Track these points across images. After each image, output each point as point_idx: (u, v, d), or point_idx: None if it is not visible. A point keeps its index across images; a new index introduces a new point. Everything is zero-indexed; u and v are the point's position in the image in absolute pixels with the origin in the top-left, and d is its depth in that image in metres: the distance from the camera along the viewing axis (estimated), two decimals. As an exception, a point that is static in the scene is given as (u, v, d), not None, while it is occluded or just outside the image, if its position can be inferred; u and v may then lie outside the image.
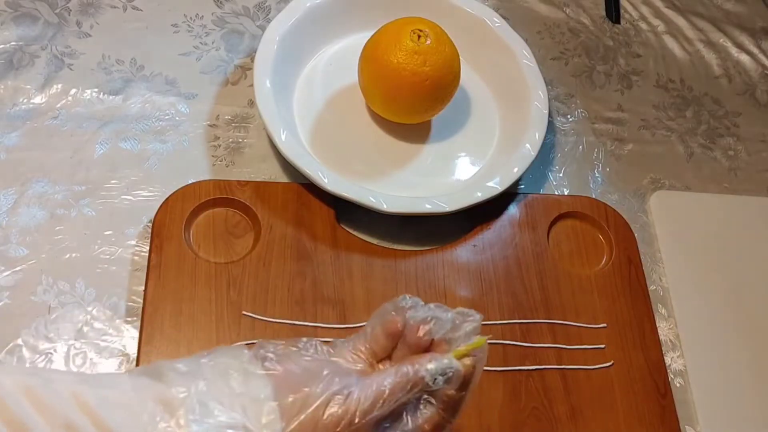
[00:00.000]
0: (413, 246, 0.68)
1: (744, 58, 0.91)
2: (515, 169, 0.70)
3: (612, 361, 0.65)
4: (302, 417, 0.40)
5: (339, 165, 0.70)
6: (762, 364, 0.69)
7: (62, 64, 0.72)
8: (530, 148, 0.71)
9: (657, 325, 0.68)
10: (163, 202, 0.65)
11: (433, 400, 0.44)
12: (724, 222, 0.77)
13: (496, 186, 0.69)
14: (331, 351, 0.45)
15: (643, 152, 0.80)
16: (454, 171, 0.73)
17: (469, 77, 0.78)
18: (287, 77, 0.73)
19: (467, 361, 0.45)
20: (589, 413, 0.63)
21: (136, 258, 0.63)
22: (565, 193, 0.75)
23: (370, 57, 0.69)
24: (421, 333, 0.45)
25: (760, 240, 0.76)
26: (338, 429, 0.41)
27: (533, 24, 0.87)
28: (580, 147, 0.79)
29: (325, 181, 0.65)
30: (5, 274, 0.61)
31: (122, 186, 0.67)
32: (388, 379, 0.43)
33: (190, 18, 0.78)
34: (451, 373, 0.44)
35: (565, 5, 0.89)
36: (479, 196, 0.68)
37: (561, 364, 0.64)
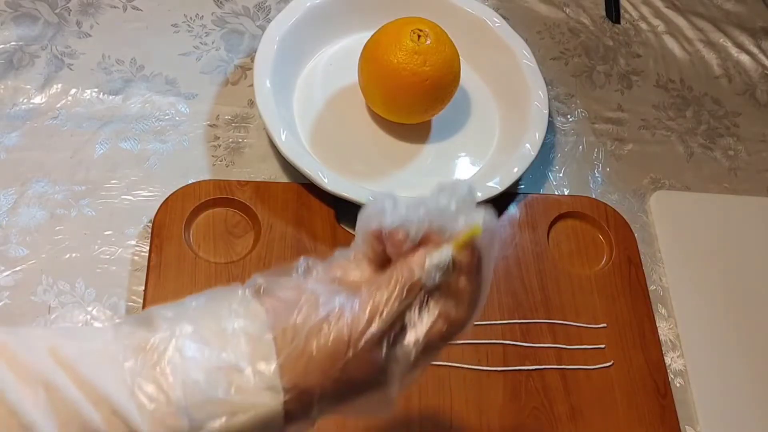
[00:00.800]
0: (413, 246, 0.68)
1: (744, 58, 0.91)
2: (515, 169, 0.70)
3: (612, 361, 0.65)
4: (288, 351, 0.36)
5: (339, 165, 0.70)
6: (762, 364, 0.69)
7: (62, 64, 0.72)
8: (530, 148, 0.71)
9: (657, 325, 0.68)
10: (163, 202, 0.65)
11: (438, 296, 0.39)
12: (724, 222, 0.77)
13: (496, 186, 0.69)
14: (328, 266, 0.41)
15: (643, 152, 0.80)
16: (454, 171, 0.73)
17: (469, 77, 0.78)
18: (287, 77, 0.73)
19: (473, 249, 0.39)
20: (589, 413, 0.63)
21: (136, 258, 0.63)
22: (565, 193, 0.75)
23: (370, 57, 0.69)
24: (400, 245, 0.39)
25: (760, 240, 0.76)
26: (334, 360, 0.36)
27: (533, 24, 0.87)
28: (580, 147, 0.79)
29: (325, 181, 0.65)
30: (5, 274, 0.61)
31: (122, 186, 0.67)
32: (380, 289, 0.38)
33: (190, 18, 0.78)
34: (446, 265, 0.38)
35: (565, 5, 0.89)
36: (479, 196, 0.68)
37: (561, 364, 0.64)
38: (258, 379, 0.36)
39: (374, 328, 0.37)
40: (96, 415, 0.34)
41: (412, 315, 0.38)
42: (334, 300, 0.38)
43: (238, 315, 0.37)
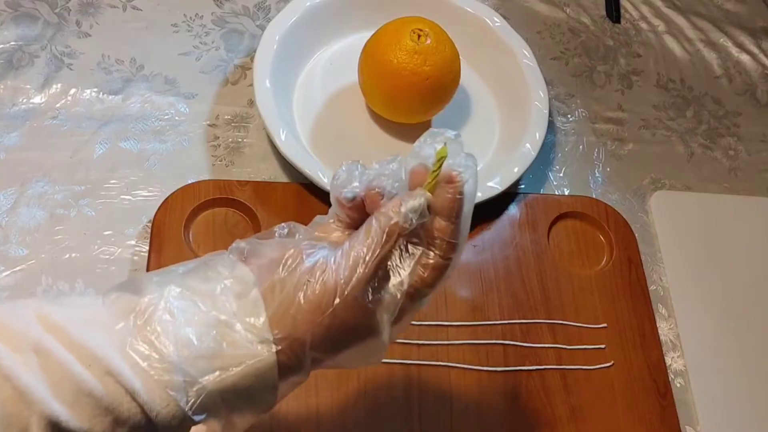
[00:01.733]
0: (413, 246, 0.68)
1: (744, 58, 0.91)
2: (515, 169, 0.70)
3: (612, 362, 0.65)
4: (276, 304, 0.37)
5: (339, 165, 0.70)
6: (762, 365, 0.69)
7: (62, 64, 0.72)
8: (530, 148, 0.71)
9: (657, 325, 0.68)
10: (163, 202, 0.65)
11: (418, 242, 0.40)
12: (725, 222, 0.77)
13: (496, 186, 0.69)
14: (309, 229, 0.42)
15: (644, 152, 0.80)
16: (454, 171, 0.73)
17: (469, 77, 0.78)
18: (287, 77, 0.73)
19: (447, 188, 0.39)
20: (590, 413, 0.63)
21: (135, 258, 0.63)
22: (566, 193, 0.75)
23: (370, 57, 0.69)
24: (377, 201, 0.40)
25: (761, 240, 0.76)
26: (322, 309, 0.37)
27: (533, 24, 0.87)
28: (581, 147, 0.79)
29: (325, 181, 0.65)
30: (5, 274, 0.61)
31: (122, 186, 0.67)
32: (360, 237, 0.39)
33: (190, 18, 0.78)
34: (424, 207, 0.39)
35: (566, 5, 0.89)
36: (479, 196, 0.68)
37: (561, 365, 0.64)
38: (249, 333, 0.37)
39: (359, 273, 0.38)
40: (88, 375, 0.34)
41: (394, 260, 0.39)
42: (318, 253, 0.39)
43: (225, 276, 0.38)
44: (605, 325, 0.67)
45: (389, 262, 0.39)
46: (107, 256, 0.63)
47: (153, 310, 0.36)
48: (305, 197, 0.68)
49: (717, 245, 0.75)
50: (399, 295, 0.39)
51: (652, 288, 0.71)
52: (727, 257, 0.74)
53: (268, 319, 0.37)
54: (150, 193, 0.67)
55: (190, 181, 0.67)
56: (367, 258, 0.38)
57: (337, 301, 0.37)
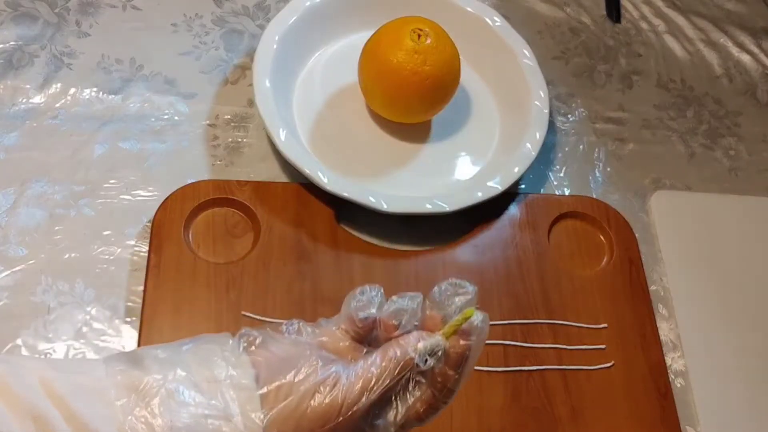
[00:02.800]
0: (413, 246, 0.68)
1: (745, 57, 0.90)
2: (516, 169, 0.70)
3: (613, 362, 0.65)
4: (282, 406, 0.38)
5: (339, 165, 0.70)
6: (763, 365, 0.69)
7: (61, 64, 0.72)
8: (531, 148, 0.71)
9: (658, 326, 0.68)
10: (163, 202, 0.65)
11: (423, 380, 0.42)
12: (725, 222, 0.77)
13: (496, 186, 0.69)
14: (317, 331, 0.43)
15: (644, 152, 0.80)
16: (454, 171, 0.73)
17: (469, 77, 0.78)
18: (287, 77, 0.73)
19: (461, 341, 0.42)
20: (590, 414, 0.63)
21: (135, 258, 0.63)
22: (566, 193, 0.75)
23: (370, 56, 0.69)
24: (392, 330, 0.43)
25: (761, 240, 0.76)
26: (324, 422, 0.39)
27: (534, 23, 0.87)
28: (581, 147, 0.79)
29: (325, 181, 0.65)
30: (4, 274, 0.61)
31: (121, 186, 0.67)
32: (375, 363, 0.41)
33: (190, 17, 0.78)
34: (440, 352, 0.42)
35: (566, 5, 0.89)
36: (480, 196, 0.68)
37: (561, 365, 0.64)
38: (246, 429, 0.37)
39: (365, 399, 0.40)
40: None
41: (398, 392, 0.42)
42: (332, 367, 0.40)
43: (230, 364, 0.39)
44: (605, 325, 0.67)
45: (393, 393, 0.41)
46: (107, 256, 0.63)
47: (155, 392, 0.37)
48: (305, 197, 0.67)
49: (718, 245, 0.75)
50: (393, 426, 0.41)
51: (652, 288, 0.71)
52: (727, 257, 0.74)
53: (269, 419, 0.38)
54: (150, 193, 0.67)
55: (189, 181, 0.66)
56: (376, 386, 0.40)
57: (340, 419, 0.39)
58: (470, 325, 0.42)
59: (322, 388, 0.39)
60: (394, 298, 0.44)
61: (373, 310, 0.43)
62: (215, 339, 0.41)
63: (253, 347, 0.40)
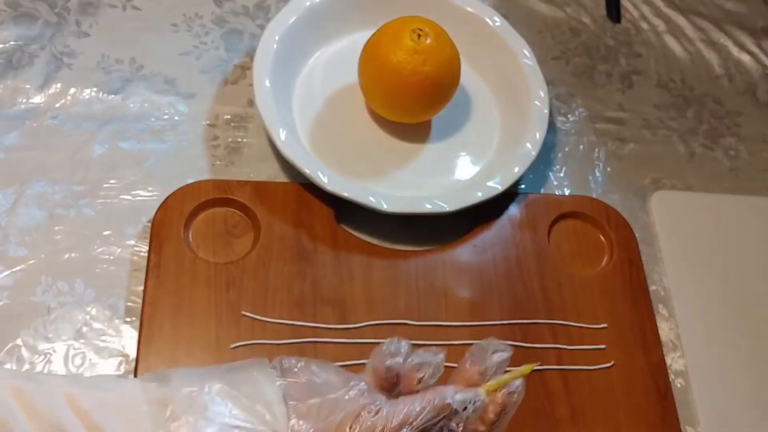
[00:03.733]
0: (413, 246, 0.68)
1: (745, 57, 0.90)
2: (516, 169, 0.70)
3: (613, 362, 0.65)
4: (321, 425, 0.39)
5: (339, 165, 0.70)
6: (763, 365, 0.69)
7: (61, 64, 0.72)
8: (531, 148, 0.71)
9: (658, 326, 0.68)
10: (163, 202, 0.65)
11: (455, 428, 0.44)
12: (726, 222, 0.77)
13: (496, 186, 0.69)
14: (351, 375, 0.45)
15: (644, 152, 0.80)
16: (454, 171, 0.73)
17: (469, 77, 0.78)
18: (287, 77, 0.73)
19: (498, 398, 0.45)
20: (590, 414, 0.63)
21: (135, 258, 0.63)
22: (566, 193, 0.75)
23: (370, 56, 0.69)
24: (415, 384, 0.45)
25: (762, 240, 0.76)
26: None
27: (534, 23, 0.87)
28: (581, 147, 0.79)
29: (325, 181, 0.65)
30: (4, 274, 0.61)
31: (121, 186, 0.67)
32: (417, 400, 0.43)
33: (190, 17, 0.78)
34: (479, 403, 0.44)
35: (566, 4, 0.89)
36: (479, 195, 0.68)
37: (561, 365, 0.64)
38: None
39: (403, 430, 0.42)
40: None
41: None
42: (376, 397, 0.42)
43: (264, 383, 0.41)
44: (606, 325, 0.67)
45: None
46: (107, 256, 0.63)
47: (186, 407, 0.38)
48: (305, 197, 0.67)
49: (718, 245, 0.75)
50: None
51: (652, 288, 0.71)
52: (728, 257, 0.74)
53: (311, 430, 0.39)
54: (149, 193, 0.67)
55: (189, 181, 0.66)
56: (415, 422, 0.42)
57: None
58: (512, 386, 0.45)
59: (365, 413, 0.41)
60: (419, 351, 0.46)
61: (400, 359, 0.45)
62: (251, 361, 0.42)
63: (296, 369, 0.42)
